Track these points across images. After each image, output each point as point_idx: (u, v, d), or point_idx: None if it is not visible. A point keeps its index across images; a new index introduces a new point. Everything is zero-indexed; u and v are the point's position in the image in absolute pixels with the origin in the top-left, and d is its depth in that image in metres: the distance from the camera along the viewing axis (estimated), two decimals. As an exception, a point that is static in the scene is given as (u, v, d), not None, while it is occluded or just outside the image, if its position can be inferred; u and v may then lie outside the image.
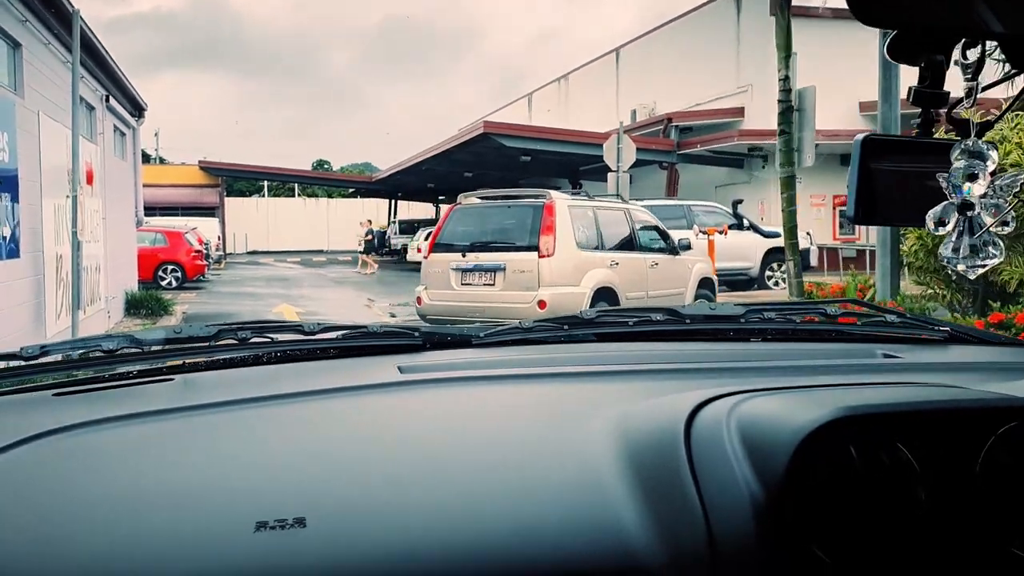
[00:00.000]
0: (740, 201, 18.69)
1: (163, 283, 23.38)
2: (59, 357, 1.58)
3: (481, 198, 11.36)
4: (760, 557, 0.98)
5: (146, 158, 58.91)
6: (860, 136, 1.03)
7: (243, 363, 1.59)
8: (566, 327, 1.81)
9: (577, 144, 25.48)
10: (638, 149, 26.81)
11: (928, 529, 1.03)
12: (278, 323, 1.74)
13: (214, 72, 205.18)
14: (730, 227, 17.83)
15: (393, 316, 16.97)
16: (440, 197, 48.74)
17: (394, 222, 41.92)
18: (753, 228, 18.81)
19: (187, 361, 1.60)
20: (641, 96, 32.90)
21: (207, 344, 1.65)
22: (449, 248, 10.82)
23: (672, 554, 0.98)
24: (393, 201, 47.82)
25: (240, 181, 60.63)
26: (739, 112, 26.48)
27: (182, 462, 1.13)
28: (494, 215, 10.94)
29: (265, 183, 62.46)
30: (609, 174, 16.85)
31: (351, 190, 54.37)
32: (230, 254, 48.22)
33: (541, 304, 9.89)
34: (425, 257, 11.39)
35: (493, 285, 10.36)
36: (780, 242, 18.40)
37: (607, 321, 1.86)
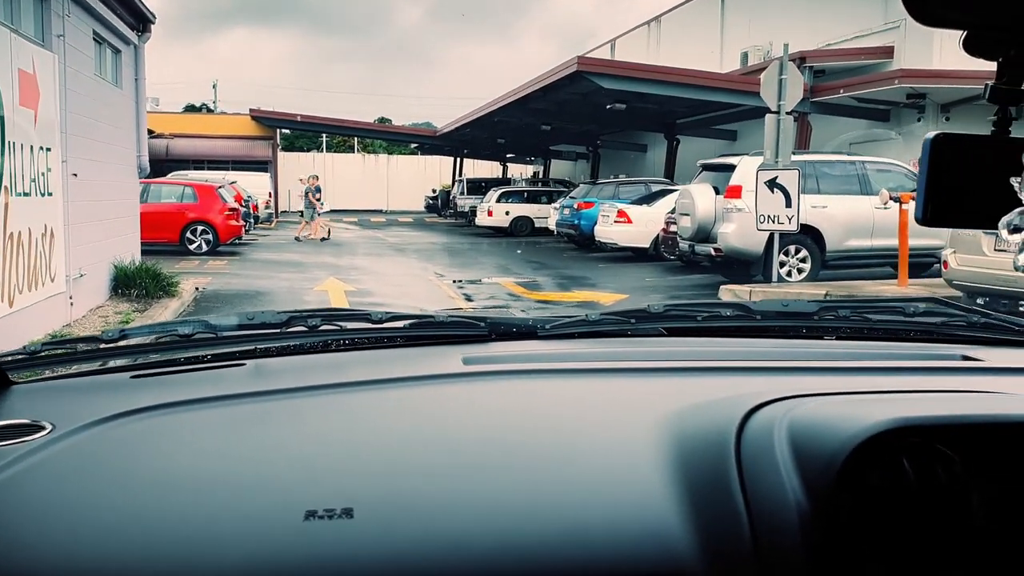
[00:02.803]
0: (930, 157, 14.18)
1: (192, 247, 19.66)
2: (137, 341, 1.59)
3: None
4: (805, 570, 0.95)
5: (196, 109, 56.01)
6: (931, 134, 1.02)
7: (312, 350, 1.61)
8: (633, 320, 1.79)
9: (696, 88, 20.98)
10: (756, 95, 22.47)
11: (982, 547, 1.00)
12: (347, 311, 1.79)
13: (283, 28, 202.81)
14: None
15: (469, 300, 12.95)
16: (508, 155, 44.82)
17: (460, 180, 37.82)
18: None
19: (258, 347, 1.60)
20: (753, 37, 28.16)
21: (278, 331, 1.64)
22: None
23: (715, 561, 0.97)
24: (458, 159, 43.79)
25: (298, 135, 57.58)
26: (887, 52, 21.70)
27: (245, 447, 1.16)
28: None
29: (324, 138, 59.42)
30: (768, 117, 12.46)
31: (413, 146, 50.58)
32: (284, 212, 45.27)
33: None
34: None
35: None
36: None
37: (675, 315, 1.84)
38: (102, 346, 1.54)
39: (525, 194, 29.70)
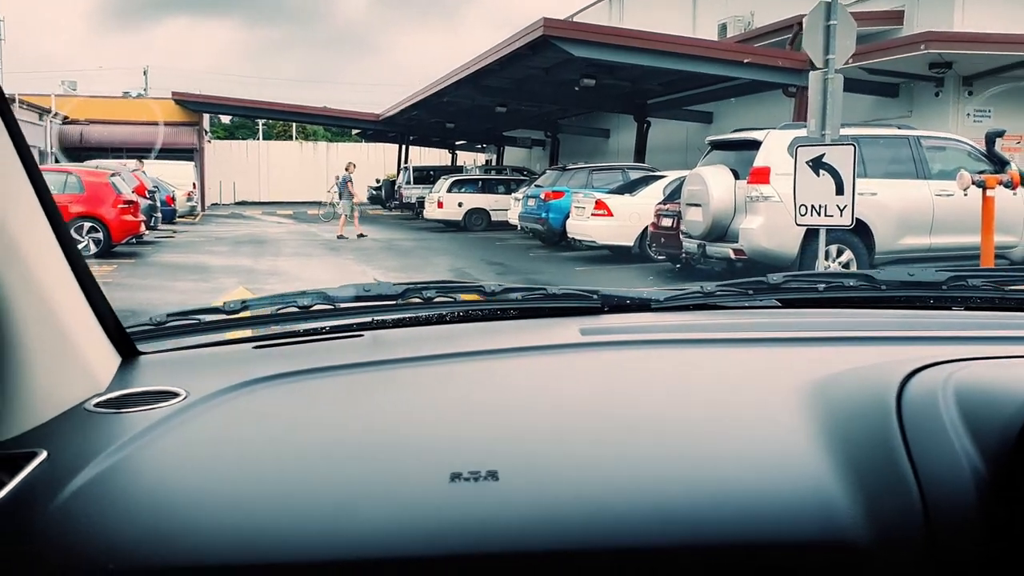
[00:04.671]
0: (1001, 133, 11.24)
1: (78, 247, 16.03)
2: (257, 312, 1.60)
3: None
4: (982, 538, 0.91)
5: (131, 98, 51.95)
6: None
7: (427, 322, 1.62)
8: (750, 291, 1.75)
9: (677, 57, 17.86)
10: (752, 66, 19.55)
11: None
12: (461, 283, 1.80)
13: (225, 16, 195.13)
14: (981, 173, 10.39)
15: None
16: (458, 142, 41.54)
17: (406, 168, 34.44)
18: (1026, 178, 11.38)
19: (375, 319, 1.61)
20: (730, 7, 25.26)
21: (394, 302, 1.66)
22: None
23: (883, 531, 0.93)
24: (404, 146, 40.41)
25: (238, 125, 53.87)
26: (897, 17, 18.86)
27: (375, 414, 1.18)
28: None
29: (260, 125, 55.63)
30: (812, 76, 9.40)
31: (355, 132, 47.05)
32: (214, 205, 41.69)
33: None
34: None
35: None
36: (1068, 202, 11.02)
37: (794, 287, 1.80)
38: (225, 317, 1.56)
39: (480, 183, 26.33)
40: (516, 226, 20.42)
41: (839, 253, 10.59)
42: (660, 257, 13.70)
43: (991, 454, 0.93)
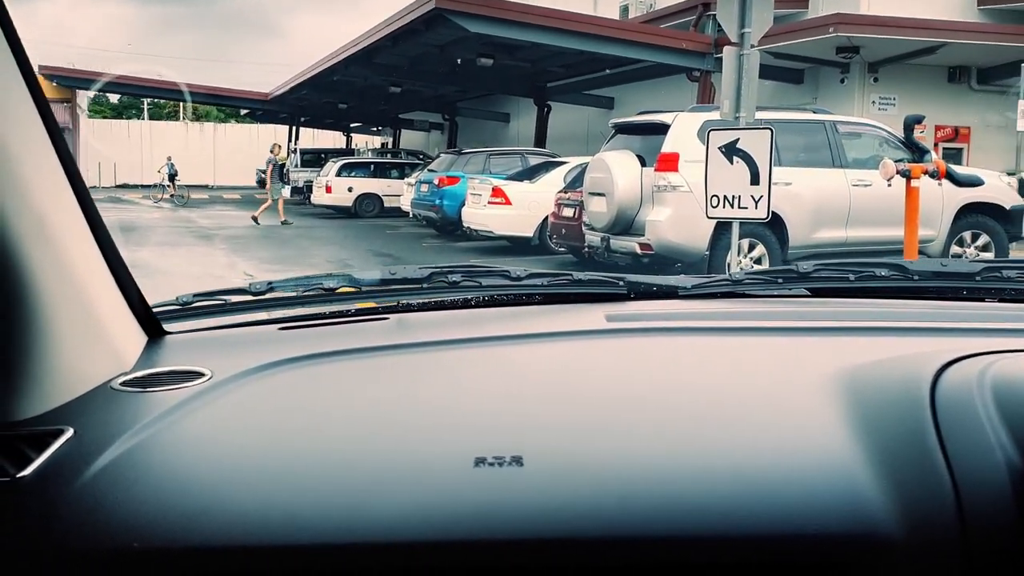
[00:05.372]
0: (920, 119, 10.57)
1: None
2: (283, 294, 1.61)
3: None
4: (1018, 533, 0.89)
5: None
6: None
7: (452, 306, 1.62)
8: (780, 280, 1.72)
9: (581, 37, 16.91)
10: (656, 48, 18.70)
11: None
12: (486, 268, 1.72)
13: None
14: (901, 161, 9.70)
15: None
16: (353, 124, 39.91)
17: (295, 151, 32.74)
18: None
19: (401, 302, 1.61)
20: (634, -12, 24.51)
21: (419, 286, 1.64)
22: None
23: (916, 524, 0.91)
24: (294, 127, 38.60)
25: (126, 105, 51.02)
26: (802, 0, 18.30)
27: (399, 397, 1.17)
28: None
29: (145, 104, 52.73)
30: (726, 52, 8.47)
31: (244, 113, 44.90)
32: (92, 188, 38.87)
33: None
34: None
35: None
36: (985, 195, 10.44)
37: (824, 276, 1.73)
38: (250, 298, 1.56)
39: (372, 166, 24.88)
40: (409, 213, 19.17)
41: (751, 248, 9.76)
42: (561, 250, 12.73)
43: None
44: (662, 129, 9.87)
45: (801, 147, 10.17)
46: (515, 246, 14.63)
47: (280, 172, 21.42)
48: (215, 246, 15.66)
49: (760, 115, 8.99)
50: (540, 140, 23.23)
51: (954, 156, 16.53)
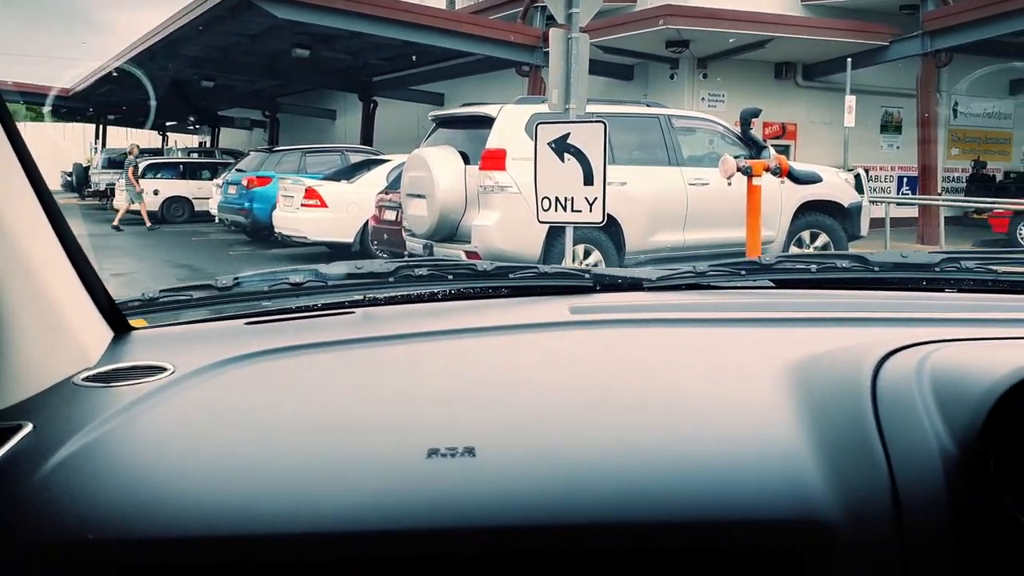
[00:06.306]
0: (756, 113, 10.00)
1: None
2: (249, 289, 1.62)
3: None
4: (950, 517, 0.93)
5: None
6: None
7: (419, 300, 1.64)
8: (743, 272, 1.76)
9: (402, 26, 15.79)
10: (484, 40, 17.80)
11: None
12: (452, 262, 1.78)
13: None
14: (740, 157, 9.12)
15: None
16: (168, 123, 37.23)
17: (97, 149, 30.04)
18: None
19: (367, 296, 1.64)
20: (460, -21, 23.56)
21: (386, 280, 1.67)
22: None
23: (854, 508, 0.94)
24: (101, 126, 35.60)
25: None
26: (631, -6, 17.84)
27: (360, 390, 1.19)
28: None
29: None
30: (552, 34, 7.55)
31: (46, 109, 41.27)
32: None
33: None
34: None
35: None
36: (823, 193, 10.03)
37: (787, 267, 1.80)
38: (217, 293, 1.57)
39: (181, 167, 22.73)
40: (216, 218, 17.45)
41: (586, 254, 8.93)
42: (384, 256, 11.56)
43: (961, 435, 0.94)
44: (486, 123, 8.88)
45: (636, 143, 9.43)
46: (335, 253, 13.33)
47: (136, 174, 19.36)
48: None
49: (591, 108, 8.13)
50: (367, 138, 22.00)
51: (782, 153, 16.38)
